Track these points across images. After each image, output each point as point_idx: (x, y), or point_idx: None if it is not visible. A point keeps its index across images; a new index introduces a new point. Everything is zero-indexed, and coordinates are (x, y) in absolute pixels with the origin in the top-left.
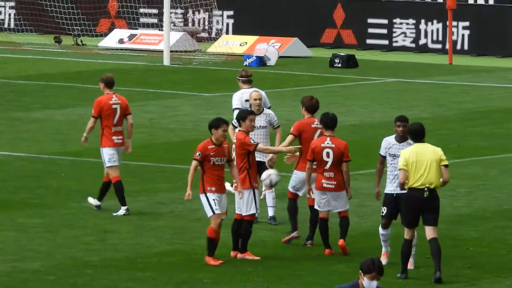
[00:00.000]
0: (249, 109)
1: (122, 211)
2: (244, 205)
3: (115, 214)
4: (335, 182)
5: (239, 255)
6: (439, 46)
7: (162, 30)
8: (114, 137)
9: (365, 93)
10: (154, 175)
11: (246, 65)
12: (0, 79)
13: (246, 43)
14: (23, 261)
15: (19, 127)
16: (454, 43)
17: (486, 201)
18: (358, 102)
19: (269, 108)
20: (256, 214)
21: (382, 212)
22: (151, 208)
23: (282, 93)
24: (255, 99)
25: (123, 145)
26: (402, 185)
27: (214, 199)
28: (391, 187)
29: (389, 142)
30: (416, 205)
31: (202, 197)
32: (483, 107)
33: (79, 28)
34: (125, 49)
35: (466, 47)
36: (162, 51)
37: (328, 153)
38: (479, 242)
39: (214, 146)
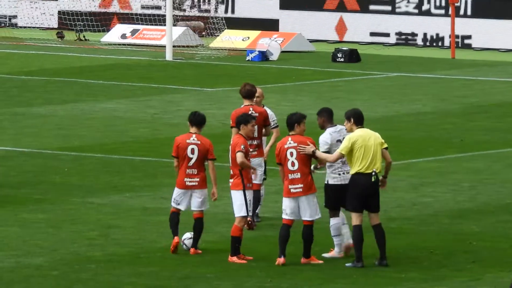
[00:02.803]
0: None
1: None
2: (308, 210)
3: None
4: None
5: (304, 260)
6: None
7: (164, 25)
8: None
9: (367, 88)
10: (157, 170)
11: (248, 60)
12: (3, 74)
13: (248, 37)
14: (26, 256)
15: (21, 122)
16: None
17: (488, 195)
18: (360, 96)
19: None
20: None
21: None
22: (154, 203)
23: (284, 88)
24: (257, 96)
25: None
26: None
27: (250, 200)
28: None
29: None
30: (364, 190)
31: (239, 194)
32: (486, 101)
33: (82, 23)
34: (128, 44)
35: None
36: (165, 46)
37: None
38: (481, 236)
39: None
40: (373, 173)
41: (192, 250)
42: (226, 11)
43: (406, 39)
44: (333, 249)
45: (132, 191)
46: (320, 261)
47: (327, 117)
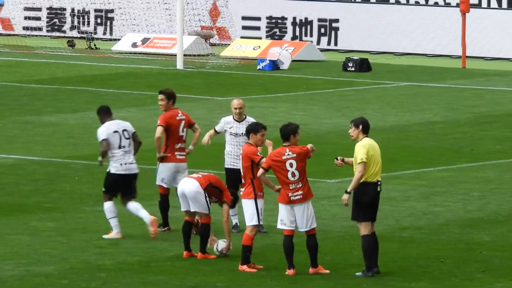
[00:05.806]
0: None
1: None
2: (305, 220)
3: None
4: None
5: (312, 270)
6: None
7: (175, 34)
8: None
9: (378, 97)
10: None
11: (259, 69)
12: (14, 83)
13: (259, 47)
14: (36, 264)
15: (32, 131)
16: None
17: (499, 205)
18: (371, 106)
19: None
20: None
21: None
22: None
23: (295, 97)
24: (236, 108)
25: None
26: (359, 180)
27: (261, 208)
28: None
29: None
30: (372, 199)
31: (251, 202)
32: (496, 110)
33: (93, 31)
34: (139, 53)
35: None
36: (176, 55)
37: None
38: (492, 246)
39: None
40: (379, 183)
41: (199, 254)
42: None
43: None
44: (112, 231)
45: (143, 200)
46: (327, 271)
47: (103, 115)
